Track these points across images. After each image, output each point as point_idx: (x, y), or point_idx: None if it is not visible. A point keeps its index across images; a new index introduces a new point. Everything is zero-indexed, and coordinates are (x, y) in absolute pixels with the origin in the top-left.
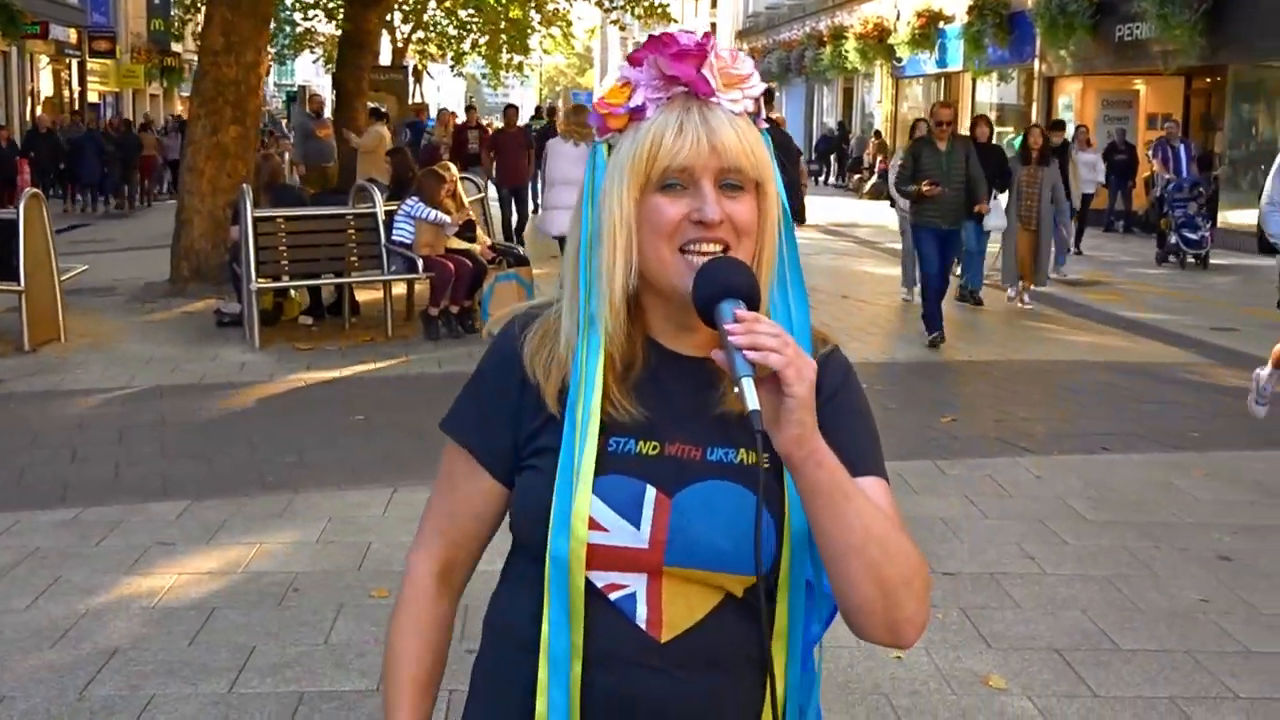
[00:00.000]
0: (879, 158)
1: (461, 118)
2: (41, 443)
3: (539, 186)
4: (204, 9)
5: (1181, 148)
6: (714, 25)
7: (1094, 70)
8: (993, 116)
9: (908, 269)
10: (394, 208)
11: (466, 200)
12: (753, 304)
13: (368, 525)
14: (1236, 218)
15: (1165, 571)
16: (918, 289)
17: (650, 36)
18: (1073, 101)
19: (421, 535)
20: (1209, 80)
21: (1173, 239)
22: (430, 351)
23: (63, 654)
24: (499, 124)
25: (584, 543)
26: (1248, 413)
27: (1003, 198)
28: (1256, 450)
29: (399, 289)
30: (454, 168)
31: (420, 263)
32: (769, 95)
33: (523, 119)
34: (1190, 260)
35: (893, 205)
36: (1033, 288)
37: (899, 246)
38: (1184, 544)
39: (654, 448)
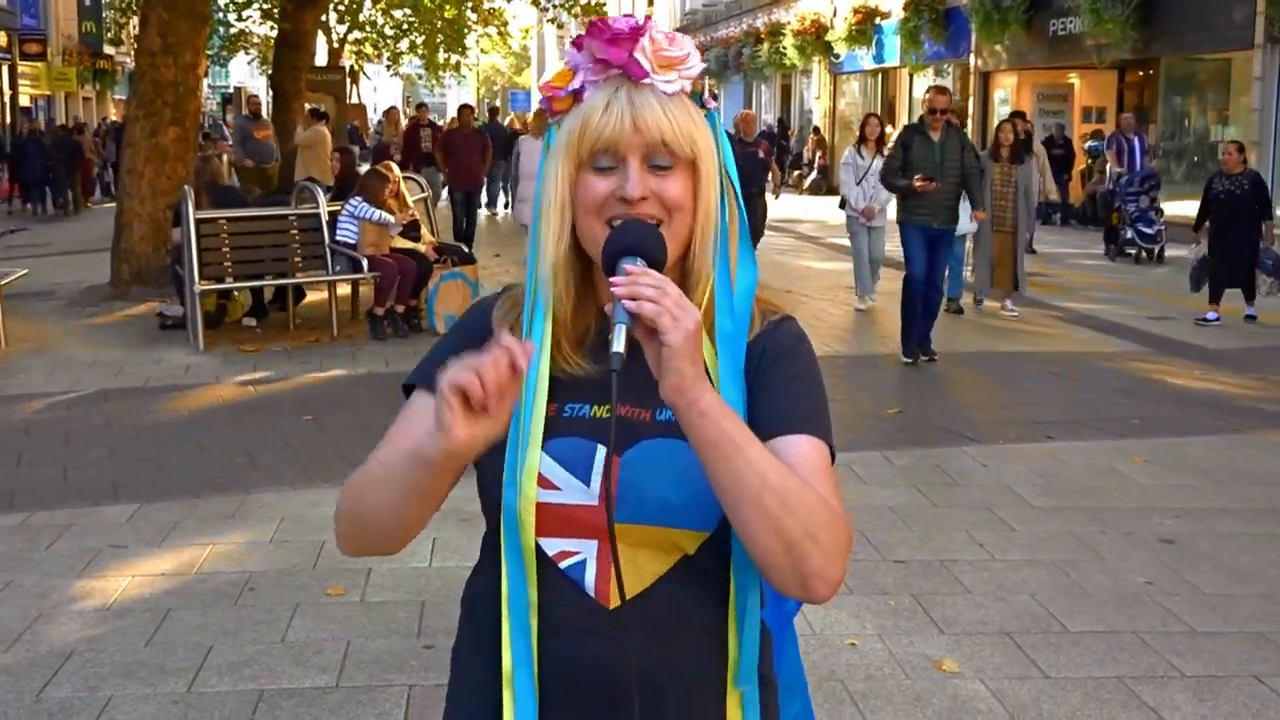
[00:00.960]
0: (818, 154)
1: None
2: None
3: (507, 186)
4: (140, 10)
5: (1135, 140)
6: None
7: (1029, 65)
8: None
9: (862, 277)
10: (338, 208)
11: (410, 200)
12: (654, 264)
13: (321, 524)
14: (1171, 209)
15: (1111, 555)
16: (871, 298)
17: (589, 22)
18: (1008, 96)
19: (366, 461)
20: (1141, 73)
21: (1127, 233)
22: (377, 351)
23: (17, 657)
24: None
25: (533, 501)
26: (1182, 400)
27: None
28: (1195, 436)
29: (344, 289)
30: (396, 168)
31: (365, 262)
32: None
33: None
34: (1144, 255)
35: (842, 206)
36: (1014, 293)
37: (844, 243)
38: (1128, 528)
39: (607, 410)
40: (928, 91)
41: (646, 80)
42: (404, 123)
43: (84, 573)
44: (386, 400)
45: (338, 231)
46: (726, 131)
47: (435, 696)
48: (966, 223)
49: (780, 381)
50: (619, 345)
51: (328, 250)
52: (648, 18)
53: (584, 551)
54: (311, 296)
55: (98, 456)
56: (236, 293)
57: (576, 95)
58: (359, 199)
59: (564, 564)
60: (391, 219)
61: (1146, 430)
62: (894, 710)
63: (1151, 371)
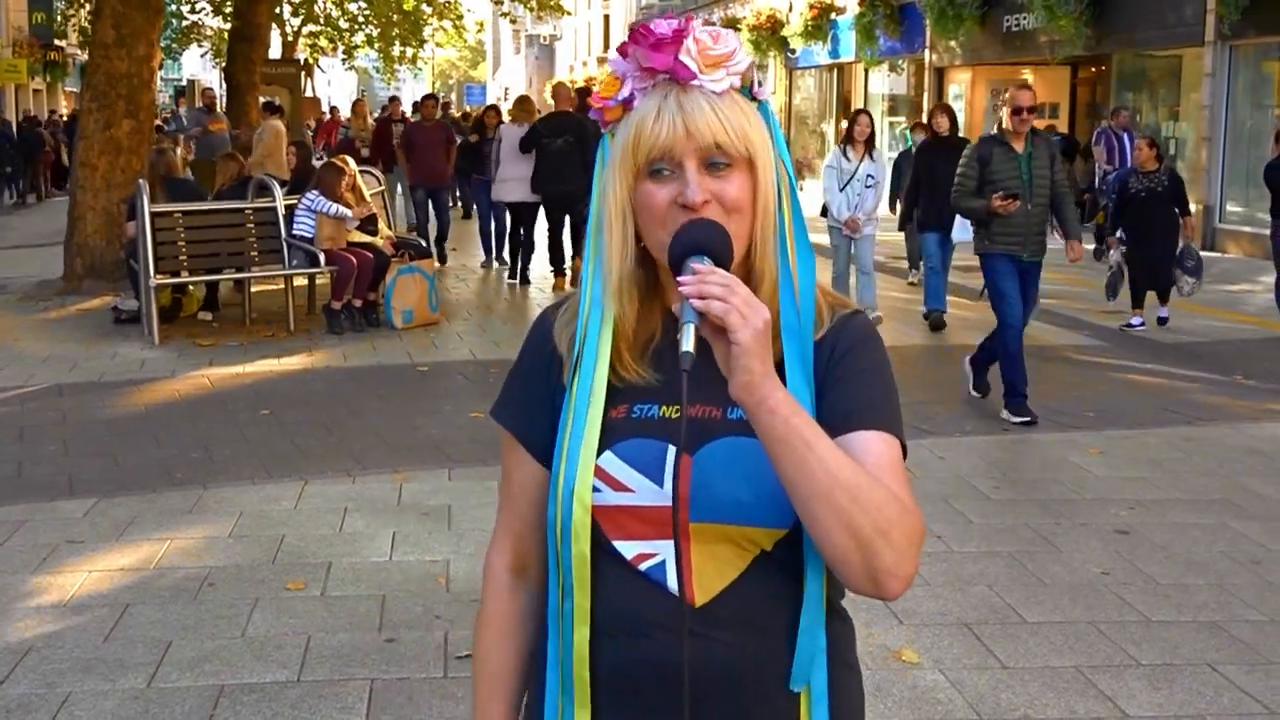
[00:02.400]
0: None
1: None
2: None
3: (479, 187)
4: (94, 2)
5: (1125, 137)
6: (607, 17)
7: (982, 60)
8: (884, 107)
9: (841, 292)
10: (294, 201)
11: (368, 193)
12: (721, 262)
13: (280, 519)
14: None
15: (1067, 546)
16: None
17: (631, 28)
18: (963, 91)
19: (495, 531)
20: (1094, 69)
21: (1119, 234)
22: (334, 345)
23: None
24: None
25: (588, 508)
26: (1136, 392)
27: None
28: (1148, 428)
29: (300, 283)
30: (352, 161)
31: (322, 257)
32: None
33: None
34: None
35: (824, 214)
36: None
37: (821, 240)
38: (1083, 519)
39: (676, 411)
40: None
41: (695, 82)
42: (371, 117)
43: (40, 568)
44: (344, 395)
45: (294, 225)
46: None
47: (396, 690)
48: (959, 231)
49: (851, 376)
50: (688, 344)
51: (284, 244)
52: (689, 17)
53: (662, 552)
54: (265, 288)
55: (53, 452)
56: (192, 287)
57: (626, 104)
58: (315, 192)
59: (644, 566)
60: (349, 213)
61: (1101, 423)
62: None
63: (1107, 365)
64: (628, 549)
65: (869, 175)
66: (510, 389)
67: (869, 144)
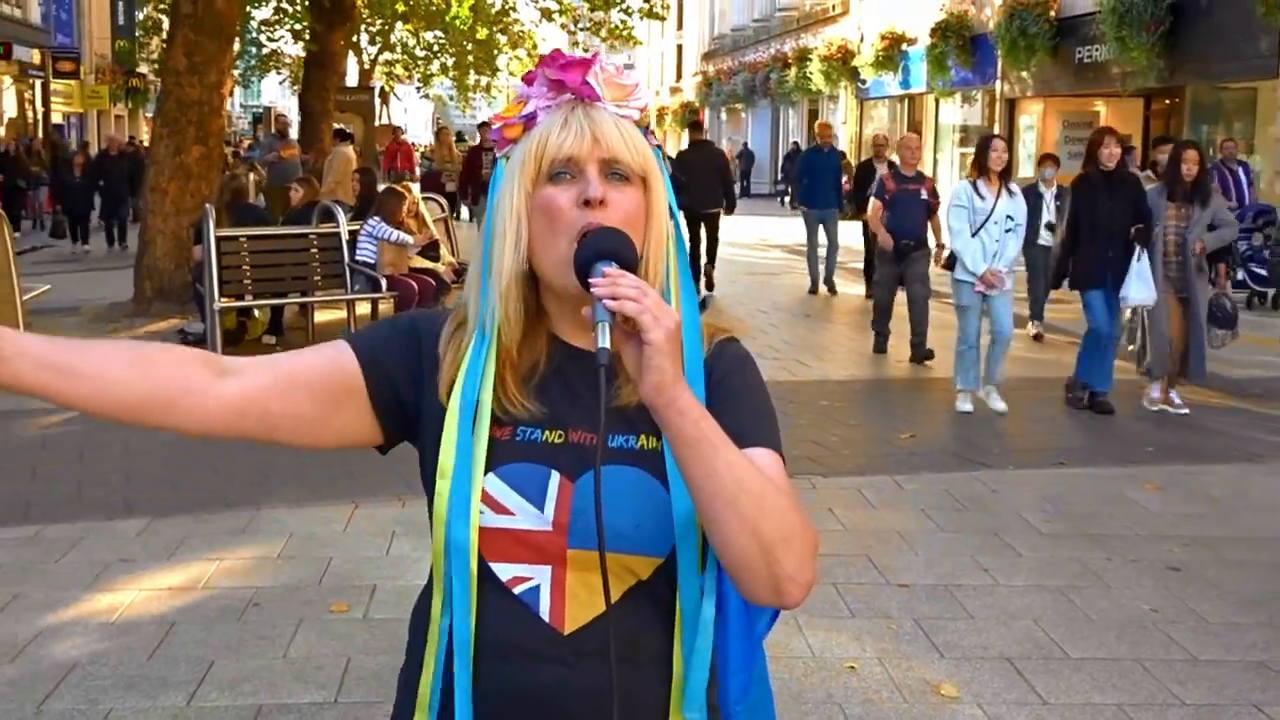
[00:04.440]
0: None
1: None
2: (3, 461)
3: None
4: (167, 30)
5: (1240, 170)
6: (680, 47)
7: (1054, 91)
8: (955, 138)
9: (966, 363)
10: (358, 227)
11: (430, 220)
12: (627, 267)
13: (329, 540)
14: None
15: (1116, 582)
16: (989, 393)
17: (541, 56)
18: (1034, 122)
19: (238, 361)
20: (1167, 101)
21: (1238, 274)
22: None
23: (21, 669)
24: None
25: (476, 528)
26: (1198, 428)
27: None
28: (1208, 465)
29: (363, 308)
30: (415, 187)
31: (384, 282)
32: (696, 124)
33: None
34: (1256, 299)
35: (949, 266)
36: (1181, 382)
37: (860, 267)
38: (1135, 555)
39: (559, 436)
40: (1096, 133)
41: (599, 103)
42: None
43: (92, 586)
44: None
45: (358, 251)
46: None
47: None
48: (1137, 291)
49: (729, 397)
50: (604, 341)
51: (347, 269)
52: (595, 53)
53: (537, 577)
54: (328, 315)
55: (112, 472)
56: (256, 311)
57: (527, 121)
58: (377, 219)
59: (518, 589)
60: (410, 239)
61: (1160, 458)
62: None
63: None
64: (504, 571)
65: (1008, 216)
66: (369, 334)
67: (1005, 177)
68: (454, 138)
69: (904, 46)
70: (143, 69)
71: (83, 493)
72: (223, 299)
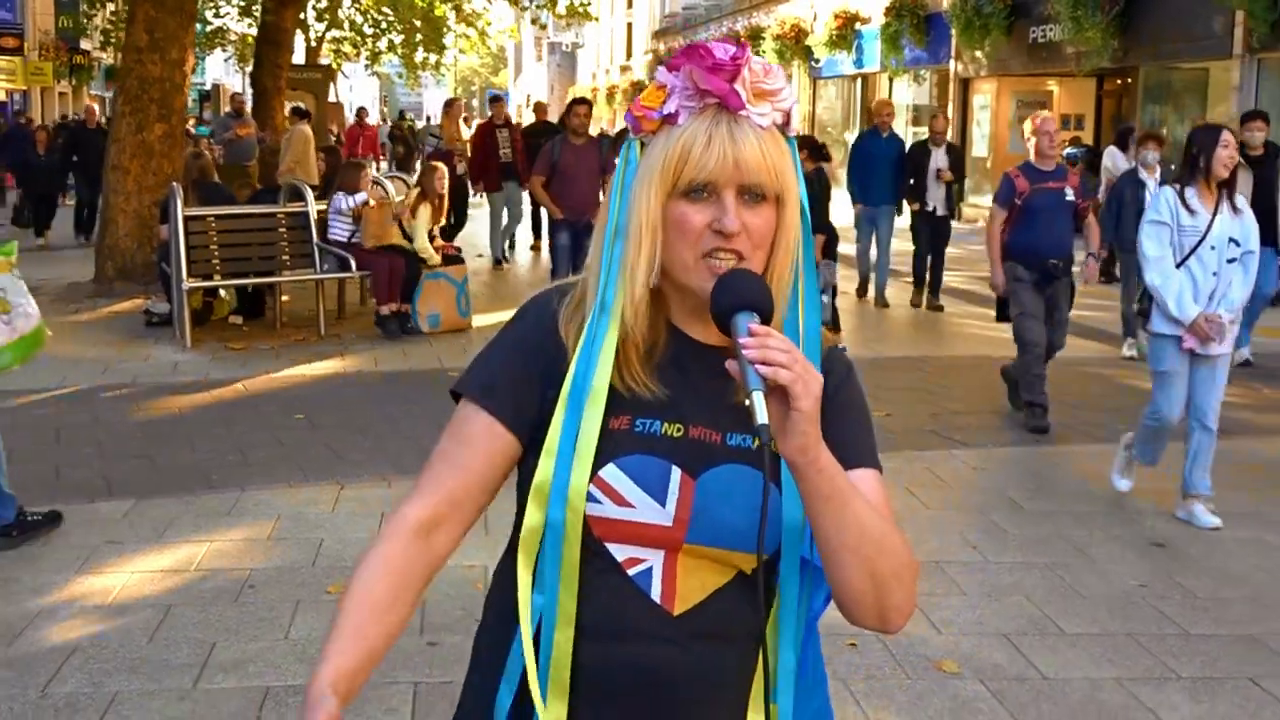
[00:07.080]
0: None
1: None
2: None
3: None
4: (128, 6)
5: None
6: (630, 25)
7: (1008, 71)
8: (909, 117)
9: (1148, 449)
10: (324, 206)
11: (443, 189)
12: (766, 318)
13: (318, 522)
14: None
15: (1103, 558)
16: (1202, 511)
17: (688, 46)
18: (988, 102)
19: (421, 485)
20: (1120, 81)
21: None
22: (365, 350)
23: (20, 653)
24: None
25: (580, 514)
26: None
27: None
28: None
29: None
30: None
31: (353, 261)
32: None
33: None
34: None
35: (1139, 306)
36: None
37: (851, 251)
38: (1118, 532)
39: (678, 430)
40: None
41: (743, 112)
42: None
43: (82, 569)
44: (378, 400)
45: (329, 231)
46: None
47: (440, 693)
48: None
49: (839, 415)
50: (763, 417)
51: (315, 248)
52: (744, 45)
53: (651, 560)
54: (287, 295)
55: (89, 453)
56: (223, 291)
57: (667, 119)
58: (339, 194)
59: (632, 570)
60: (364, 195)
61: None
62: (896, 710)
63: (1137, 377)
64: (620, 552)
65: (1231, 240)
66: (493, 364)
67: (1229, 186)
68: (464, 112)
69: (858, 25)
70: (85, 45)
71: (61, 474)
72: (190, 279)
